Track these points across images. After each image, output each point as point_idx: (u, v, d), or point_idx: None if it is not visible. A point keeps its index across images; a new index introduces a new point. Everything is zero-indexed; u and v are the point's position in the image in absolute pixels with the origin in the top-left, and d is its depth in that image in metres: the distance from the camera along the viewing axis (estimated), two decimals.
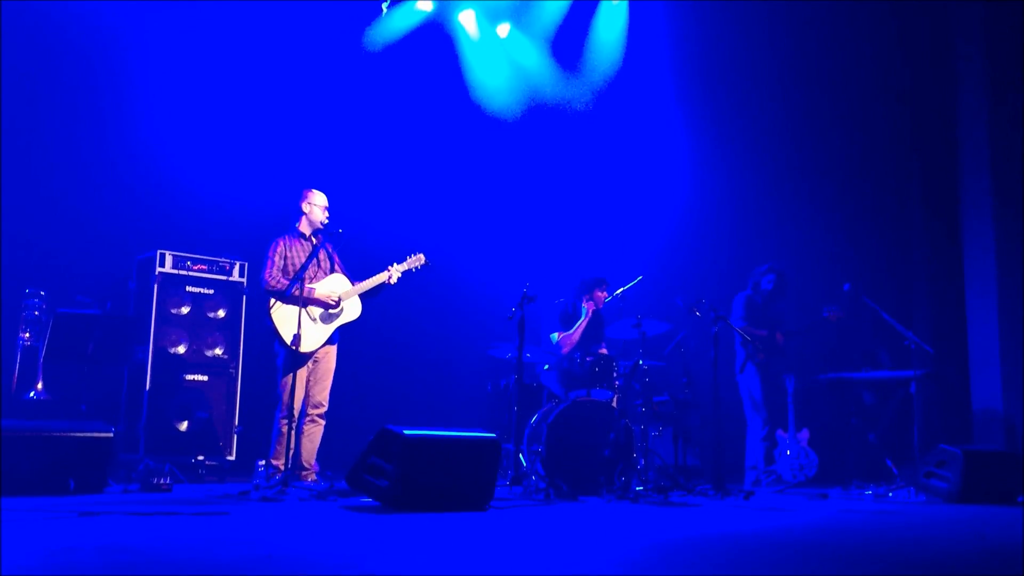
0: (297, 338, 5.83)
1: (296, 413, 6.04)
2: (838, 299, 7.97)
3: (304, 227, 6.36)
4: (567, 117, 9.86)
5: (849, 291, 7.62)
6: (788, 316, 8.12)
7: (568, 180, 9.83)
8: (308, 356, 6.12)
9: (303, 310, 6.02)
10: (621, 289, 7.44)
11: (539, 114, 9.77)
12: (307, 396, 6.18)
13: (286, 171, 8.33)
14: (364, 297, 6.35)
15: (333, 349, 6.32)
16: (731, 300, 7.98)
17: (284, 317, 6.04)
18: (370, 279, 6.33)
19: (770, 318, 7.94)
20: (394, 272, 6.34)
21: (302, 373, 6.14)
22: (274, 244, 6.28)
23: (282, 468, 6.03)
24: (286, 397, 6.02)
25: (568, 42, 9.86)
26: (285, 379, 6.05)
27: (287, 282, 6.05)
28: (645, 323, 7.04)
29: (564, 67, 9.90)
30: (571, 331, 7.54)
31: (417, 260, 6.44)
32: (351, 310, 6.27)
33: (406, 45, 9.20)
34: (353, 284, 6.32)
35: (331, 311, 6.18)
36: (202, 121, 8.29)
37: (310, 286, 6.12)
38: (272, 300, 6.08)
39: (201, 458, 7.29)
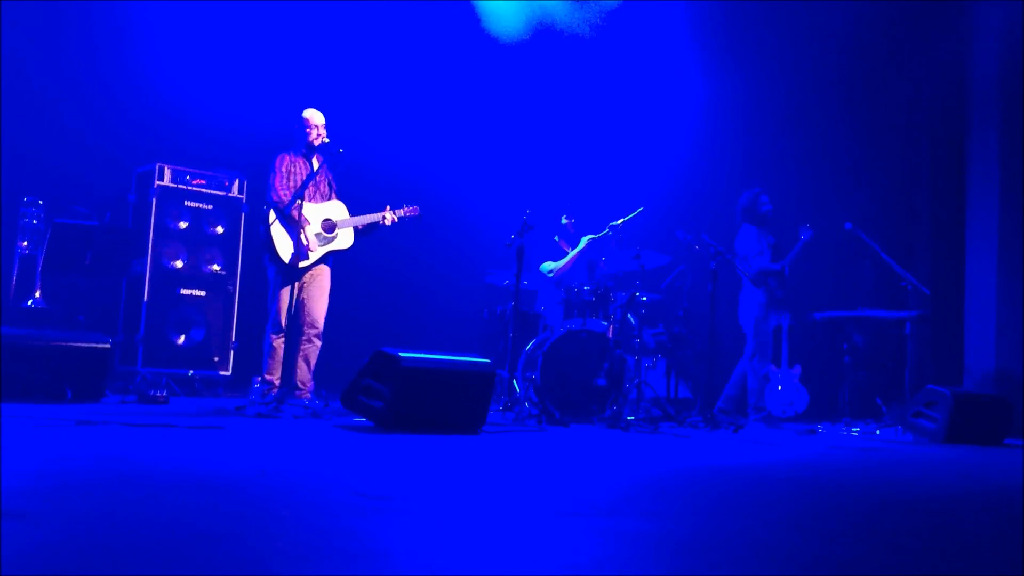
0: (295, 257, 5.86)
1: (284, 327, 6.10)
2: (839, 237, 7.94)
3: (306, 147, 6.32)
4: (574, 43, 9.67)
5: (850, 230, 7.59)
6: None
7: (572, 107, 9.70)
8: (299, 273, 6.13)
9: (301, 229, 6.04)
10: (621, 220, 7.40)
11: (545, 38, 9.57)
12: (303, 315, 6.20)
13: (287, 89, 8.22)
14: (357, 234, 6.33)
15: (326, 271, 6.32)
16: (732, 235, 7.82)
17: (282, 232, 6.03)
18: (367, 215, 6.31)
19: (771, 248, 7.77)
20: (389, 215, 6.36)
21: (292, 290, 6.17)
22: (280, 157, 6.23)
23: (276, 384, 6.09)
24: (277, 312, 6.08)
25: None
26: (276, 294, 6.10)
27: (290, 197, 6.04)
28: (644, 255, 7.03)
29: None
30: (563, 262, 7.62)
31: (412, 210, 6.47)
32: (344, 239, 6.25)
33: None
34: (351, 215, 6.31)
35: (327, 235, 6.17)
36: (204, 36, 8.16)
37: (309, 204, 6.09)
38: (272, 214, 6.06)
39: (197, 373, 7.37)
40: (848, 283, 9.46)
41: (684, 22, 9.69)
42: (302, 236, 5.99)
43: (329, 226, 6.19)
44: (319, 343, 6.29)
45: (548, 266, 7.69)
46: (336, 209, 6.27)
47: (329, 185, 6.37)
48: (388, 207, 6.37)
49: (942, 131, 9.36)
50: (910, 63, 9.56)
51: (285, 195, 6.06)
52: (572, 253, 7.58)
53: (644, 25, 9.62)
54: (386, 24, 8.92)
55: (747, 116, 9.71)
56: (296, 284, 6.14)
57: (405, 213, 6.44)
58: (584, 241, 7.56)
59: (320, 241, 6.14)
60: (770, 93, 9.69)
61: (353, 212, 6.36)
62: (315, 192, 6.22)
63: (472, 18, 9.34)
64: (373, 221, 6.33)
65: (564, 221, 7.79)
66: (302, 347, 6.23)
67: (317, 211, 6.18)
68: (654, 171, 9.48)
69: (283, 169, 6.17)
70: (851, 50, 9.59)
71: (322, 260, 6.23)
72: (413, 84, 9.11)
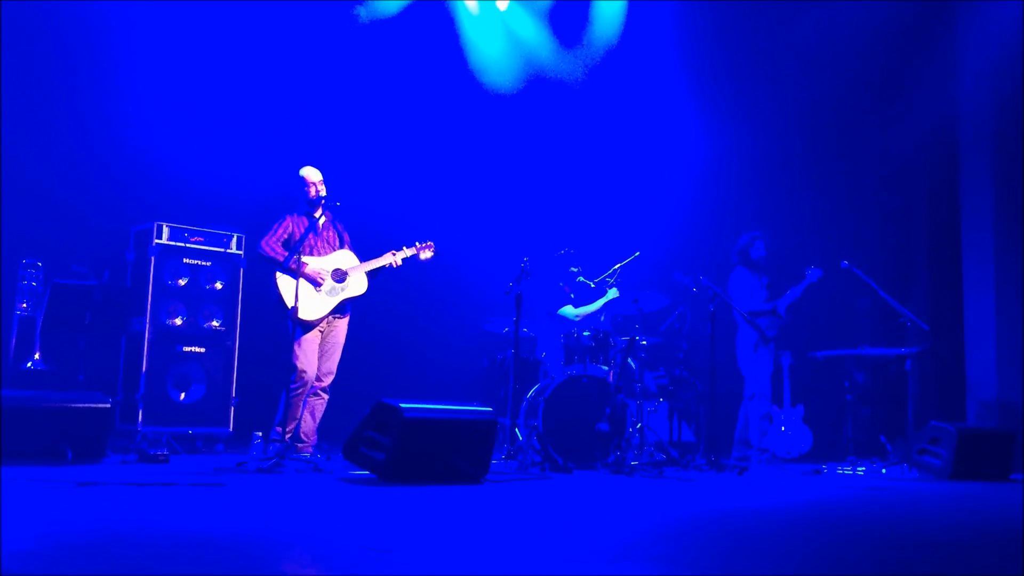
0: (295, 309, 5.87)
1: (309, 381, 6.11)
2: (836, 276, 7.94)
3: (307, 203, 6.38)
4: (567, 91, 9.78)
5: (846, 268, 7.61)
6: (778, 284, 7.92)
7: (568, 154, 9.77)
8: (313, 325, 6.16)
9: (307, 281, 6.08)
10: (618, 265, 7.42)
11: (538, 88, 9.68)
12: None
13: (283, 145, 8.28)
14: (368, 277, 6.36)
15: (342, 323, 6.32)
16: (726, 278, 7.84)
17: (287, 285, 6.07)
18: (375, 260, 6.35)
19: (766, 289, 7.78)
20: (398, 256, 6.38)
21: (313, 343, 6.16)
22: (282, 218, 6.31)
23: (283, 437, 6.05)
24: (296, 365, 6.07)
25: (568, 14, 9.76)
26: (293, 347, 6.08)
27: (284, 252, 6.08)
28: (643, 298, 7.05)
29: (564, 40, 9.81)
30: (589, 308, 7.58)
31: (425, 247, 6.48)
32: (356, 286, 6.29)
33: (405, 17, 9.12)
34: (360, 262, 6.35)
35: (337, 284, 6.21)
36: (201, 95, 8.24)
37: (306, 259, 6.13)
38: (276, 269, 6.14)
39: (198, 430, 7.33)
40: (847, 321, 9.45)
41: (679, 68, 9.77)
42: (310, 287, 6.04)
43: (339, 275, 6.24)
44: (326, 397, 6.28)
45: (571, 311, 7.64)
46: (344, 258, 6.32)
47: (339, 237, 6.42)
48: (403, 247, 6.41)
49: (936, 167, 9.42)
50: (903, 101, 9.66)
51: (271, 249, 6.12)
52: (601, 301, 7.55)
53: (640, 72, 9.72)
54: (381, 76, 9.02)
55: (744, 157, 9.76)
56: (314, 336, 6.15)
57: (418, 251, 6.46)
58: (613, 292, 7.50)
59: (331, 292, 6.17)
60: (767, 135, 9.75)
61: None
62: (322, 244, 6.28)
63: (467, 72, 9.46)
64: (382, 265, 6.35)
65: (574, 270, 7.74)
66: (309, 400, 6.21)
67: (323, 264, 6.22)
68: (652, 214, 9.51)
69: (280, 228, 6.25)
70: (845, 90, 9.68)
71: (338, 310, 6.25)
72: (411, 137, 9.17)
